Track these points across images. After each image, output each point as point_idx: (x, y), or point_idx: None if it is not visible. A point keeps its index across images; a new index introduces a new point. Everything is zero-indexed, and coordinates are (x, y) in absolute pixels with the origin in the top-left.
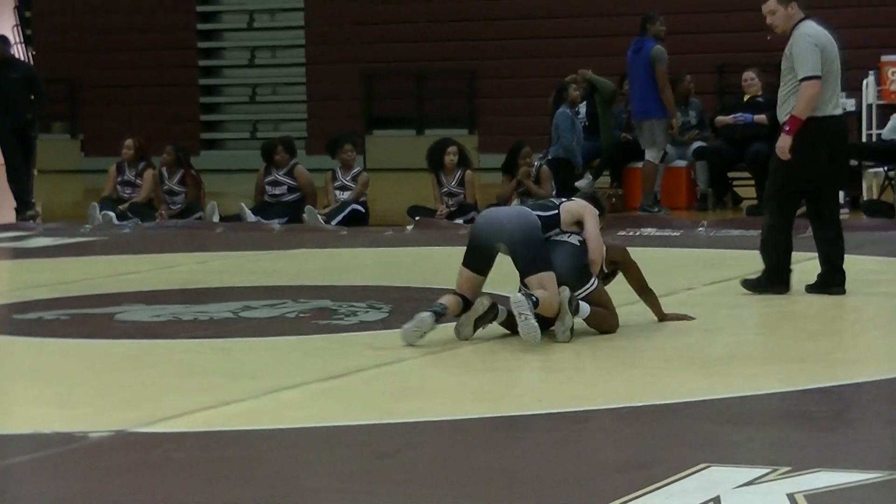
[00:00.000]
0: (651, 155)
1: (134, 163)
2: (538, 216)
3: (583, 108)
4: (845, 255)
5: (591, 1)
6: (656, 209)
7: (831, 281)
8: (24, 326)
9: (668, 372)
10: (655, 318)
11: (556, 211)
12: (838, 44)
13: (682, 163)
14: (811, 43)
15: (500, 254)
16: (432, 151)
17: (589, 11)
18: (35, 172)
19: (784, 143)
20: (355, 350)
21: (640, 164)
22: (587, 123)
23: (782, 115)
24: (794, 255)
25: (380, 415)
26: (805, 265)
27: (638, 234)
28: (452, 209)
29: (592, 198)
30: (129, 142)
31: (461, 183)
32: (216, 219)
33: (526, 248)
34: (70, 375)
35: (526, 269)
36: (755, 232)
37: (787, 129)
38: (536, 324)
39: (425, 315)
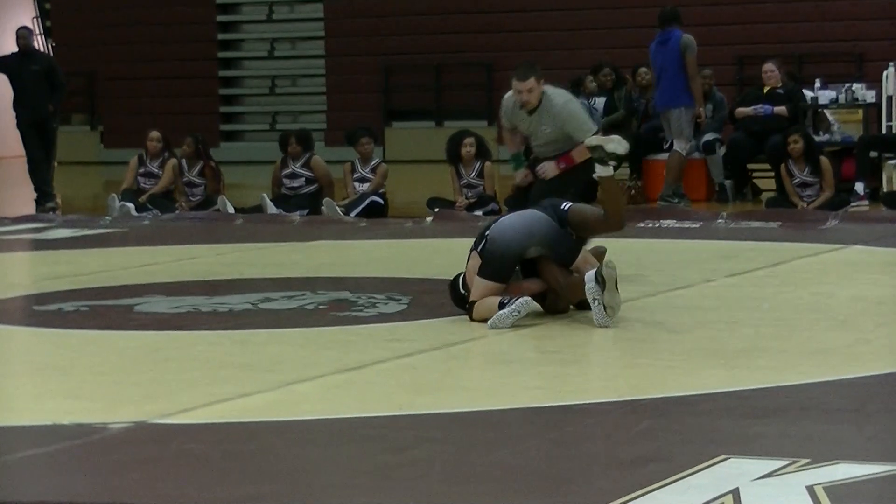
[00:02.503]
0: (680, 145)
1: (157, 155)
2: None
3: (601, 102)
4: (865, 247)
5: None
6: (676, 200)
7: None
8: (43, 318)
9: (686, 364)
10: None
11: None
12: (857, 36)
13: (698, 154)
14: (579, 103)
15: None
16: (450, 143)
17: (606, 4)
18: (55, 164)
19: (550, 169)
20: (373, 342)
21: (659, 157)
22: (603, 116)
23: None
24: (812, 246)
25: (396, 408)
26: (824, 257)
27: (657, 225)
28: (472, 201)
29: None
30: (155, 134)
31: (480, 174)
32: (230, 210)
33: (559, 243)
34: (88, 367)
35: (567, 260)
36: (775, 224)
37: (563, 165)
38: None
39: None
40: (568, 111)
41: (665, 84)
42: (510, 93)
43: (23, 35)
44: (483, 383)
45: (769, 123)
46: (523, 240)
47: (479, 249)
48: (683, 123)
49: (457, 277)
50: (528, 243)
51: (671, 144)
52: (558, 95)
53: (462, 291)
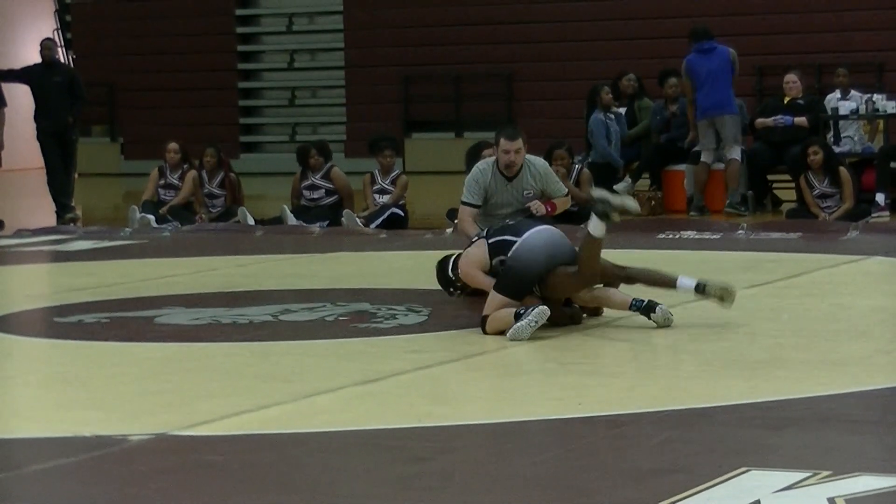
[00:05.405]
0: (734, 153)
1: (176, 166)
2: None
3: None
4: (886, 258)
5: (628, 4)
6: (743, 209)
7: None
8: (63, 329)
9: (707, 375)
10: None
11: None
12: (878, 47)
13: (721, 165)
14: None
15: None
16: (470, 154)
17: (625, 14)
18: (76, 176)
19: (541, 208)
20: (393, 353)
21: (679, 167)
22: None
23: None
24: (834, 257)
25: (416, 419)
26: (844, 268)
27: (677, 236)
28: None
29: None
30: (173, 145)
31: None
32: (250, 222)
33: (573, 254)
34: (109, 378)
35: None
36: (795, 235)
37: (549, 209)
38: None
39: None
40: (546, 170)
41: (714, 92)
42: (481, 163)
43: (47, 46)
44: (502, 394)
45: (789, 134)
46: (545, 262)
47: (489, 240)
48: (736, 131)
49: (446, 258)
50: (550, 265)
51: (699, 153)
52: (535, 158)
53: (450, 275)
